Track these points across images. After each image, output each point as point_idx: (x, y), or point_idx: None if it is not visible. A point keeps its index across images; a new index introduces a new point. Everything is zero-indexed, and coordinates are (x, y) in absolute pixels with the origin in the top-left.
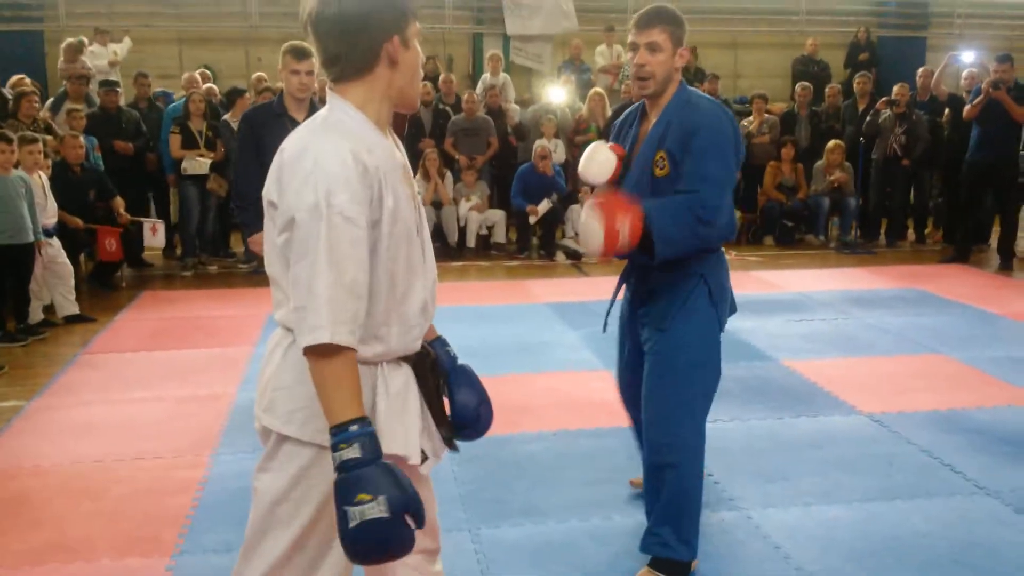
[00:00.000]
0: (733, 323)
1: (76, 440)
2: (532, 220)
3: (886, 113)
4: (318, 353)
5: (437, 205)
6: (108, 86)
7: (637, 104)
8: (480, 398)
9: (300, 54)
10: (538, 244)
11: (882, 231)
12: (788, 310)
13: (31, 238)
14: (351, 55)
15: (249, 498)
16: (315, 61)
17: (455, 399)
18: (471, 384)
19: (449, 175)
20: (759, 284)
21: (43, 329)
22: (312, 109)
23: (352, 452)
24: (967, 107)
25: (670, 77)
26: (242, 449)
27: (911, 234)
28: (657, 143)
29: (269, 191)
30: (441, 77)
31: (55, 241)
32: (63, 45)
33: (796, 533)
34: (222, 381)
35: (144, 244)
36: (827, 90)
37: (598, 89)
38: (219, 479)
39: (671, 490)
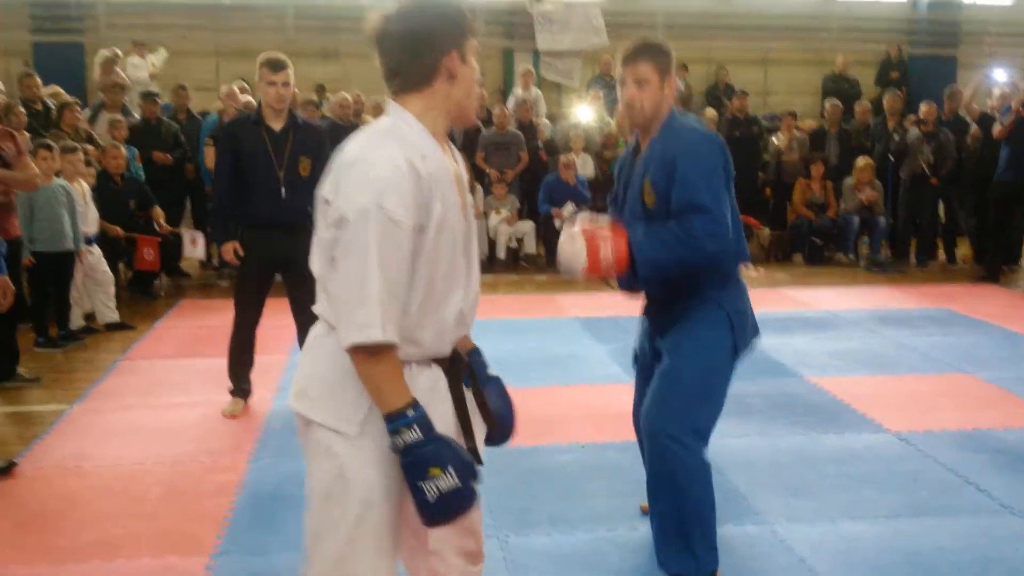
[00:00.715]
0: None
1: (117, 443)
2: (558, 223)
3: (914, 132)
4: (368, 351)
5: None
6: (149, 97)
7: (633, 137)
8: (510, 407)
9: (276, 66)
10: None
11: (912, 250)
12: (816, 328)
13: (72, 246)
14: (412, 69)
15: (284, 501)
16: (290, 72)
17: (488, 406)
18: (502, 394)
19: (480, 189)
20: (787, 301)
21: (83, 335)
22: (291, 118)
23: (413, 435)
24: (997, 127)
25: (659, 108)
26: (278, 453)
27: (941, 253)
28: (643, 173)
29: (325, 189)
30: None
31: (96, 249)
32: (98, 58)
33: (821, 548)
34: (258, 387)
35: (184, 255)
36: (857, 108)
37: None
38: (256, 482)
39: (674, 506)
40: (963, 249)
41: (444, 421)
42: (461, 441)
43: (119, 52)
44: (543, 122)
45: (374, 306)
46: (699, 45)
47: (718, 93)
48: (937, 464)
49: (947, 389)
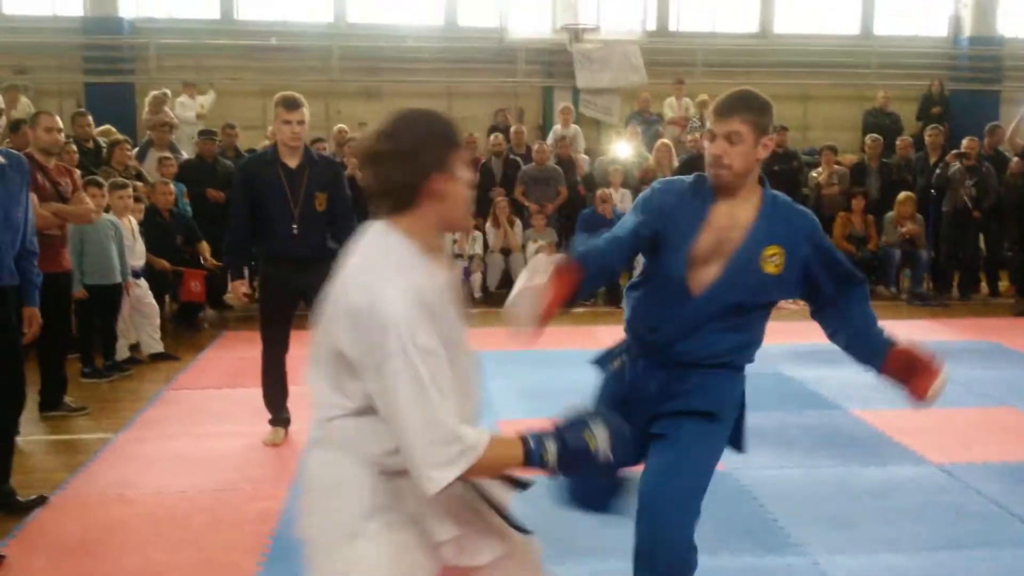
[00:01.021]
0: (801, 372)
1: (161, 471)
2: None
3: (956, 166)
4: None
5: (506, 252)
6: (206, 135)
7: (690, 181)
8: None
9: (292, 105)
10: (604, 291)
11: (954, 283)
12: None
13: (119, 279)
14: (395, 191)
15: None
16: (305, 111)
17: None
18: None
19: (519, 223)
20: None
21: (129, 366)
22: (306, 155)
23: (551, 453)
24: None
25: (751, 168)
26: None
27: (984, 287)
28: (766, 238)
29: (337, 338)
30: (513, 128)
31: (142, 282)
32: (148, 97)
33: None
34: (297, 417)
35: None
36: (898, 142)
37: (665, 140)
38: (297, 510)
39: None
40: (1005, 282)
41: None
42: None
43: (168, 92)
44: (582, 157)
45: (440, 447)
46: (738, 82)
47: None
48: (980, 496)
49: (990, 422)
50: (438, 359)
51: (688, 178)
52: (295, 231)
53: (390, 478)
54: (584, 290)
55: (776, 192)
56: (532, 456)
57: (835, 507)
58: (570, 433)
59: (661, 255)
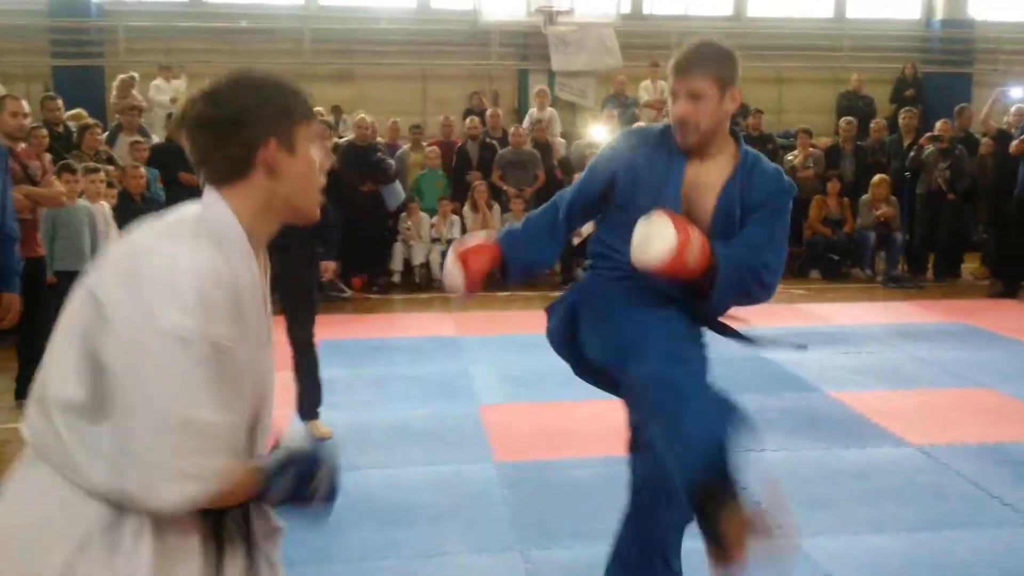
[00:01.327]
0: (778, 354)
1: None
2: (576, 241)
3: (929, 148)
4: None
5: None
6: (175, 119)
7: (658, 131)
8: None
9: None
10: (582, 275)
11: (929, 266)
12: (834, 342)
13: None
14: (218, 160)
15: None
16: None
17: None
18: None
19: (497, 207)
20: (805, 316)
21: None
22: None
23: (278, 490)
24: (1015, 142)
25: (719, 124)
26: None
27: (961, 269)
28: (739, 198)
29: (100, 284)
30: (488, 112)
31: None
32: (116, 81)
33: (845, 561)
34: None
35: None
36: (872, 125)
37: (641, 123)
38: None
39: None
40: (973, 264)
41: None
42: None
43: (135, 76)
44: (558, 141)
45: (211, 448)
46: None
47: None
48: (959, 477)
49: (968, 403)
50: (224, 356)
51: (656, 127)
52: None
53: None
54: (510, 272)
55: (751, 151)
56: (262, 491)
57: (816, 489)
58: (296, 472)
59: (637, 201)
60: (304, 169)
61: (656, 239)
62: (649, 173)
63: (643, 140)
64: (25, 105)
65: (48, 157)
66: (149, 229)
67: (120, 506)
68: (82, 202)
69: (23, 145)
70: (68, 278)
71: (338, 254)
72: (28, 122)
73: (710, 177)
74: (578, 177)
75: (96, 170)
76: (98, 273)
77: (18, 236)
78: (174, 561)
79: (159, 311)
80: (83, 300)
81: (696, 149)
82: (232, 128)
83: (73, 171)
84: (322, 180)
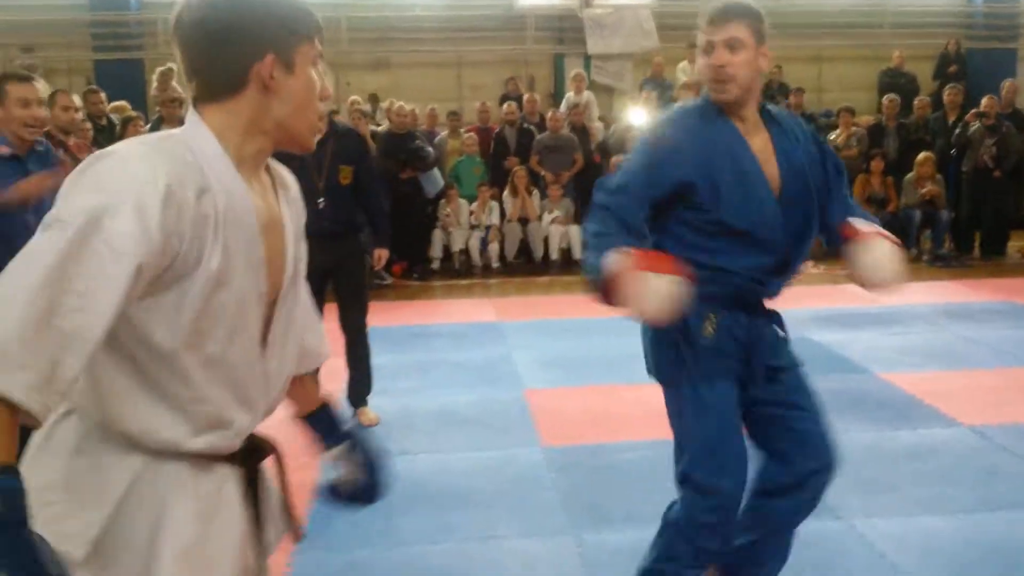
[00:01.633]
0: (826, 336)
1: None
2: None
3: (975, 125)
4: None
5: (524, 221)
6: None
7: (694, 110)
8: (372, 475)
9: None
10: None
11: (976, 244)
12: (882, 323)
13: None
14: (210, 72)
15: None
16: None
17: (340, 474)
18: (359, 462)
19: (536, 192)
20: (851, 297)
21: None
22: (330, 126)
23: None
24: None
25: (754, 81)
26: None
27: (1007, 247)
28: (804, 159)
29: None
30: (525, 97)
31: None
32: (155, 73)
33: (901, 543)
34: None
35: None
36: (916, 102)
37: (680, 104)
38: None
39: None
40: (1020, 242)
41: (227, 531)
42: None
43: (174, 67)
44: (596, 125)
45: (17, 345)
46: None
47: (772, 92)
48: (1014, 457)
49: (1019, 383)
50: (117, 264)
51: (690, 107)
52: (321, 205)
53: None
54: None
55: (768, 104)
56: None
57: (869, 471)
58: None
59: (720, 203)
60: (302, 90)
61: (887, 263)
62: (721, 161)
63: (695, 124)
64: (76, 99)
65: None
66: (119, 142)
67: (158, 452)
68: None
69: (73, 139)
70: None
71: (389, 241)
72: (79, 116)
73: (765, 144)
74: (621, 172)
75: None
76: None
77: None
78: (216, 509)
79: (81, 196)
80: None
81: (737, 113)
82: (229, 38)
83: None
84: (322, 109)
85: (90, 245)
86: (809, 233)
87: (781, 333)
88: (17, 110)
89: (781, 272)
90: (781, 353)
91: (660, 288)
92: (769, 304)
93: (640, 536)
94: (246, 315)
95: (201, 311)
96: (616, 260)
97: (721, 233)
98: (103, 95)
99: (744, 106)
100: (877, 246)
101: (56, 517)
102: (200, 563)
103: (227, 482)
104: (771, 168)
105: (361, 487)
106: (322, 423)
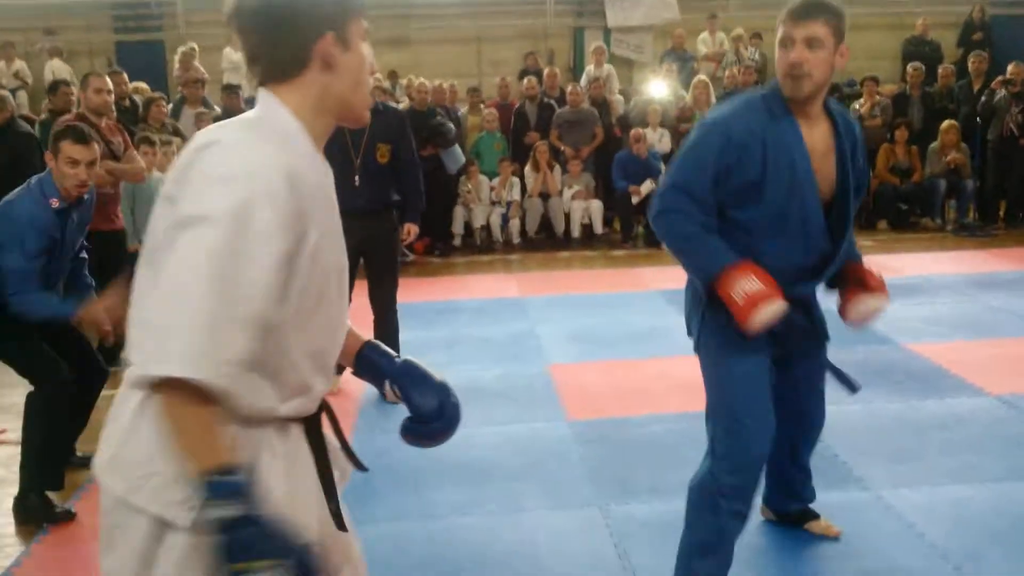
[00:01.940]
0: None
1: None
2: (635, 200)
3: (1001, 93)
4: (184, 391)
5: (544, 196)
6: (230, 90)
7: (758, 103)
8: (438, 392)
9: None
10: (644, 232)
11: (1000, 213)
12: (907, 293)
13: None
14: (274, 55)
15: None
16: None
17: (411, 400)
18: (423, 380)
19: (557, 167)
20: (876, 268)
21: None
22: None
23: (231, 510)
24: None
25: (827, 79)
26: (373, 428)
27: None
28: (850, 159)
29: (168, 186)
30: (546, 71)
31: None
32: (177, 54)
33: (929, 512)
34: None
35: None
36: (940, 70)
37: (702, 77)
38: (360, 455)
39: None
40: None
41: (307, 484)
42: (322, 506)
43: (195, 47)
44: (617, 98)
45: (205, 334)
46: (773, 14)
47: None
48: None
49: None
50: (267, 253)
51: (755, 97)
52: (357, 183)
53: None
54: None
55: (832, 101)
56: (210, 483)
57: (896, 441)
58: (247, 542)
59: (768, 204)
60: (358, 65)
61: (875, 311)
62: (778, 164)
63: (759, 122)
64: (108, 81)
65: (127, 133)
66: (214, 128)
67: (249, 419)
68: (158, 174)
69: (105, 121)
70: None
71: (419, 217)
72: (111, 99)
73: (824, 141)
74: (684, 170)
75: (169, 142)
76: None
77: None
78: (295, 465)
79: (219, 196)
80: (159, 209)
81: (803, 109)
82: (290, 20)
83: (152, 143)
84: (370, 82)
85: (244, 238)
86: (847, 235)
87: (811, 323)
88: (66, 168)
89: (817, 274)
90: (810, 338)
91: (774, 311)
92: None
93: (666, 508)
94: (331, 286)
95: (303, 286)
96: (743, 280)
97: (765, 234)
98: (125, 76)
99: (812, 103)
100: (872, 301)
101: (163, 486)
102: (292, 517)
103: (300, 439)
104: (827, 167)
105: (430, 412)
106: (374, 359)
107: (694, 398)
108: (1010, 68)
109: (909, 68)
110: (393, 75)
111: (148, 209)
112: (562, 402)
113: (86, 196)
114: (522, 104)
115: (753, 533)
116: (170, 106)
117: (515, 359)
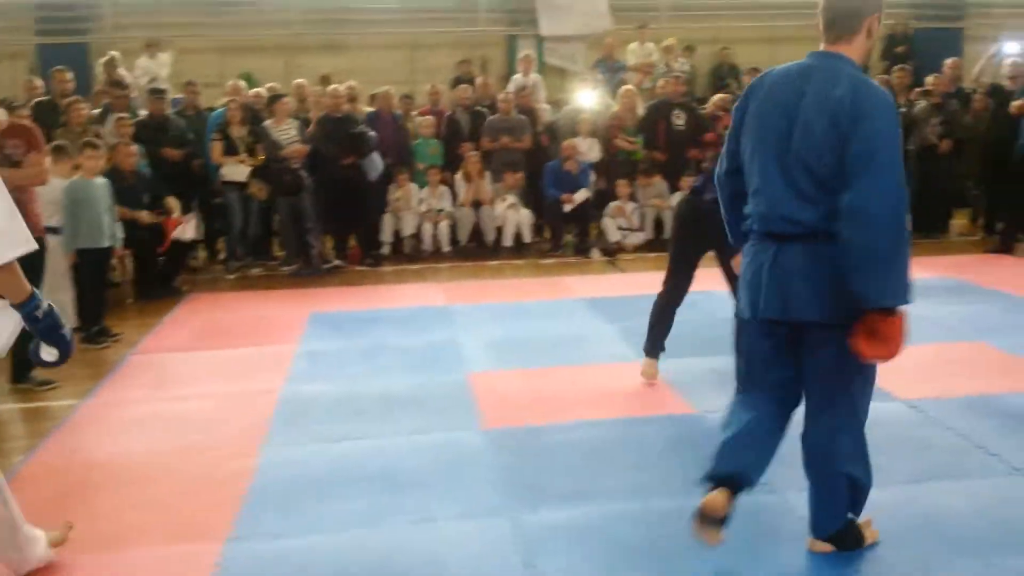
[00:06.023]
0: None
1: (128, 436)
2: (568, 208)
3: (921, 103)
4: None
5: (476, 205)
6: (156, 94)
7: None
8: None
9: None
10: (574, 242)
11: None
12: None
13: (108, 243)
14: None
15: (299, 484)
16: None
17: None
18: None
19: (488, 176)
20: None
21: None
22: None
23: (45, 306)
24: (1016, 102)
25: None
26: (289, 439)
27: (953, 224)
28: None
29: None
30: (478, 81)
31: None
32: (102, 62)
33: None
34: (268, 377)
35: (175, 236)
36: None
37: (629, 87)
38: (270, 468)
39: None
40: (962, 220)
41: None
42: None
43: (116, 54)
44: (543, 107)
45: None
46: (704, 26)
47: (723, 74)
48: (947, 430)
49: (958, 357)
50: None
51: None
52: None
53: None
54: None
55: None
56: (28, 304)
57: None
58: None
59: None
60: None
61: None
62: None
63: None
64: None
65: (39, 133)
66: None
67: None
68: (100, 180)
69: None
70: (89, 255)
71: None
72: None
73: None
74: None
75: (96, 147)
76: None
77: None
78: None
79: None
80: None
81: None
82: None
83: (96, 147)
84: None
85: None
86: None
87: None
88: None
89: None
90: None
91: None
92: None
93: (575, 514)
94: None
95: None
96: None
97: None
98: (67, 74)
99: None
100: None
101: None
102: None
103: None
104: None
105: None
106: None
107: (611, 406)
108: (929, 79)
109: None
110: (325, 80)
111: (90, 214)
112: (478, 410)
113: None
114: (454, 112)
115: (656, 528)
116: (97, 111)
117: (435, 368)
